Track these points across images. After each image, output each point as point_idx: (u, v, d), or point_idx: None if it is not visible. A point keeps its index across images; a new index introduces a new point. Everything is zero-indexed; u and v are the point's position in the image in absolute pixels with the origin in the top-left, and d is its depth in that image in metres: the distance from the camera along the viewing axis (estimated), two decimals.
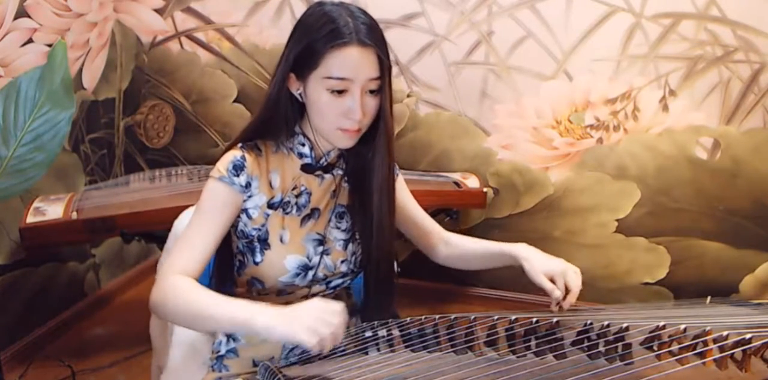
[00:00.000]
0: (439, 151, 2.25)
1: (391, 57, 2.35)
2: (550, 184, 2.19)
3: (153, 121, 2.49)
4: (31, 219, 1.69)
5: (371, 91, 0.97)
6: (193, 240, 0.98)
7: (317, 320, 0.80)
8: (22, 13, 1.85)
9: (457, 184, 2.09)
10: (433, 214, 2.19)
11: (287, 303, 1.08)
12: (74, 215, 1.71)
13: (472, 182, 2.11)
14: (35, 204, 1.80)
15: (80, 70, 2.16)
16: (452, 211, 2.17)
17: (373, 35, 0.95)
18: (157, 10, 2.34)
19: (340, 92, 0.95)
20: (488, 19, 2.06)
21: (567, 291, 1.04)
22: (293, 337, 0.79)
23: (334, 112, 0.96)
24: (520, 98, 2.12)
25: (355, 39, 0.93)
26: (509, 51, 2.08)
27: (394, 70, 2.17)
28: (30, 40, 1.88)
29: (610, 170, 2.12)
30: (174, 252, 0.98)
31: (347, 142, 1.00)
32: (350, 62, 0.93)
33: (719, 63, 1.94)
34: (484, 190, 2.08)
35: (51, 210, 1.75)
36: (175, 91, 2.44)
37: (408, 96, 2.21)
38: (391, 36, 2.14)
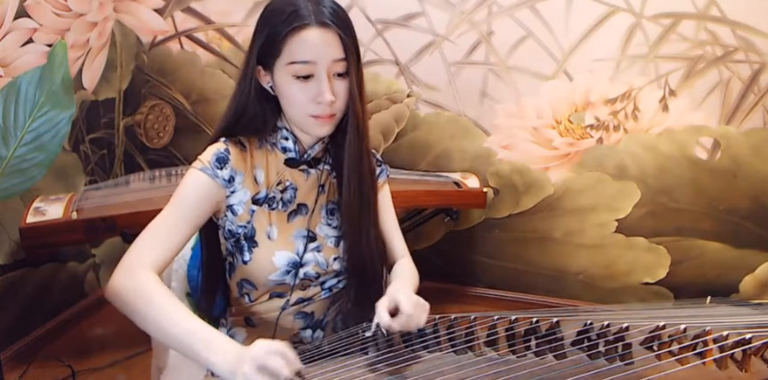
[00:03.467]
0: (439, 151, 2.25)
1: (391, 57, 2.36)
2: (550, 184, 2.19)
3: (153, 121, 2.49)
4: (31, 219, 1.69)
5: (339, 75, 0.95)
6: (165, 230, 0.94)
7: (258, 371, 0.76)
8: (22, 13, 1.85)
9: (457, 184, 2.09)
10: (433, 214, 2.20)
11: (282, 308, 1.08)
12: (74, 215, 1.70)
13: (472, 182, 2.11)
14: (35, 204, 1.80)
15: (80, 70, 2.16)
16: (452, 211, 2.17)
17: (334, 16, 0.92)
18: (157, 10, 2.34)
19: (306, 77, 0.93)
20: (488, 19, 2.06)
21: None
22: None
23: (304, 99, 0.94)
24: (520, 98, 2.12)
25: (315, 21, 0.91)
26: (509, 51, 2.08)
27: (394, 70, 2.18)
28: (30, 40, 1.88)
29: (610, 170, 2.12)
30: (145, 239, 0.94)
31: (322, 128, 0.98)
32: (311, 44, 0.91)
33: (719, 63, 1.94)
34: (484, 190, 2.08)
35: (51, 210, 1.75)
36: (175, 91, 2.44)
37: (408, 96, 2.21)
38: (391, 36, 2.15)
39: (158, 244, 0.93)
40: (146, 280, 0.89)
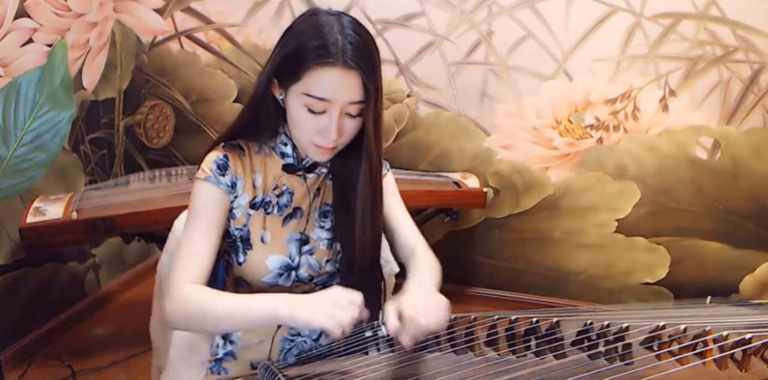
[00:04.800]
0: (439, 151, 2.25)
1: (391, 57, 2.35)
2: (550, 184, 2.19)
3: (153, 121, 2.49)
4: (31, 219, 1.69)
5: (352, 113, 0.94)
6: (194, 246, 0.98)
7: (336, 305, 0.83)
8: (22, 13, 1.85)
9: (457, 184, 2.09)
10: (433, 214, 2.19)
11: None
12: (74, 215, 1.70)
13: (472, 182, 2.11)
14: (35, 204, 1.80)
15: (80, 70, 2.16)
16: (452, 211, 2.17)
17: (360, 57, 0.91)
18: (157, 10, 2.34)
19: (319, 112, 0.93)
20: (488, 19, 2.06)
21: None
22: (313, 323, 0.83)
23: (310, 128, 0.95)
24: (520, 98, 2.12)
25: (341, 60, 0.89)
26: (509, 51, 2.08)
27: (394, 70, 2.18)
28: (30, 40, 1.88)
29: (610, 170, 2.12)
30: (179, 261, 0.97)
31: (321, 157, 0.99)
32: (331, 83, 0.91)
33: (719, 63, 1.94)
34: (484, 190, 2.08)
35: (51, 210, 1.74)
36: (175, 91, 2.44)
37: (408, 96, 2.21)
38: (391, 36, 2.15)
39: (187, 261, 0.97)
40: (185, 292, 0.94)
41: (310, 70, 0.90)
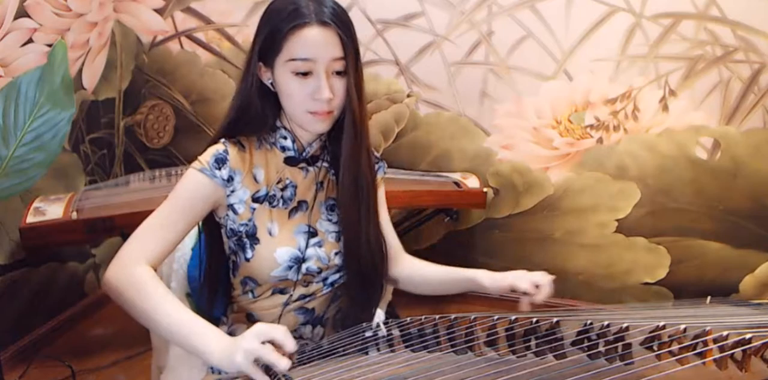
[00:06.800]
0: (439, 151, 2.25)
1: (391, 57, 2.36)
2: (550, 184, 2.19)
3: (153, 121, 2.49)
4: (31, 219, 1.69)
5: (338, 73, 0.97)
6: (162, 226, 0.97)
7: (252, 364, 0.80)
8: (22, 13, 1.85)
9: (457, 184, 2.09)
10: (433, 214, 2.19)
11: (284, 304, 1.08)
12: (74, 215, 1.71)
13: (472, 182, 2.11)
14: (35, 204, 1.80)
15: (80, 70, 2.16)
16: (452, 211, 2.17)
17: (335, 16, 0.95)
18: (157, 10, 2.34)
19: (305, 74, 0.95)
20: (488, 19, 2.06)
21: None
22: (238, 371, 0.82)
23: (302, 95, 0.96)
24: (520, 98, 2.12)
25: (315, 19, 0.93)
26: (509, 51, 2.08)
27: (394, 70, 2.18)
28: (30, 40, 1.88)
29: (610, 170, 2.12)
30: (139, 234, 0.97)
31: (319, 125, 1.00)
32: (311, 42, 0.94)
33: (719, 63, 1.94)
34: (484, 190, 2.08)
35: (51, 210, 1.75)
36: (175, 91, 2.44)
37: (408, 96, 2.21)
38: (391, 36, 2.15)
39: (152, 239, 0.97)
40: (139, 273, 0.92)
41: (288, 36, 0.94)
